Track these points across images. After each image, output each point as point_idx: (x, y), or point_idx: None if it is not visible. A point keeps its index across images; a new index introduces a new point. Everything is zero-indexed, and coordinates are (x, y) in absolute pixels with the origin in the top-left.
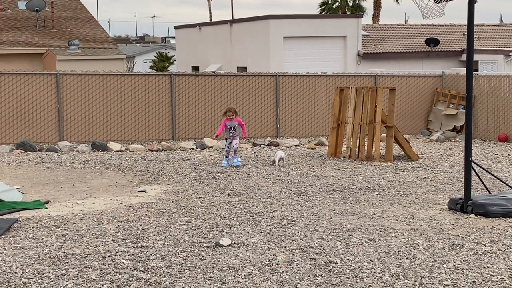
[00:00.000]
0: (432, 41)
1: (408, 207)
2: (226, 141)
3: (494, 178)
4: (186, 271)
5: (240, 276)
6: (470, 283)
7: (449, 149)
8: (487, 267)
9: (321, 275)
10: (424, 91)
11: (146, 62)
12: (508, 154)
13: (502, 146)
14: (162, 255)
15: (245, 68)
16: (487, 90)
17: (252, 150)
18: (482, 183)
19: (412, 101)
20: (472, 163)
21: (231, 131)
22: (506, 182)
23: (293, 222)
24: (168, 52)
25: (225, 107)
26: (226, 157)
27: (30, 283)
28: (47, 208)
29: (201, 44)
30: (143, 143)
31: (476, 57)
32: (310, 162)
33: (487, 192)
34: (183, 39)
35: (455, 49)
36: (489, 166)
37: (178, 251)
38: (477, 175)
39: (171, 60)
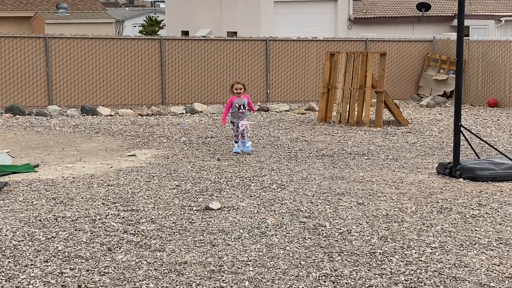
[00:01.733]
0: (423, 6)
1: (397, 171)
2: (234, 125)
3: (483, 142)
4: (176, 234)
5: (229, 239)
6: (458, 245)
7: (439, 114)
8: (475, 230)
9: (310, 238)
10: (415, 56)
11: (135, 26)
12: (497, 119)
13: (492, 111)
14: (152, 218)
15: (235, 33)
16: (478, 56)
17: None
18: (471, 147)
19: (402, 66)
20: (462, 128)
21: (240, 111)
22: (495, 146)
23: (283, 186)
24: (158, 16)
25: (232, 81)
26: (235, 142)
27: (21, 245)
28: (37, 171)
29: (191, 9)
30: (133, 107)
31: (467, 22)
32: (300, 127)
33: (476, 157)
34: (173, 3)
35: (446, 14)
36: (478, 131)
37: (168, 214)
38: (466, 139)
39: (161, 25)
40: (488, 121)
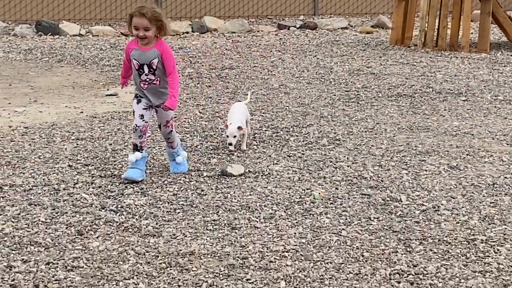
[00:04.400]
0: None
1: (510, 119)
2: (138, 101)
3: None
4: (178, 211)
5: (257, 220)
6: None
7: None
8: None
9: (378, 218)
10: None
11: None
12: None
13: None
14: (142, 188)
15: None
16: None
17: (276, 35)
18: None
19: None
20: None
21: (143, 79)
22: None
23: (337, 142)
24: None
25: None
26: (137, 149)
27: None
28: None
29: None
30: (113, 23)
31: None
32: (364, 53)
33: None
34: None
35: None
36: None
37: (166, 182)
38: None
39: None
40: None
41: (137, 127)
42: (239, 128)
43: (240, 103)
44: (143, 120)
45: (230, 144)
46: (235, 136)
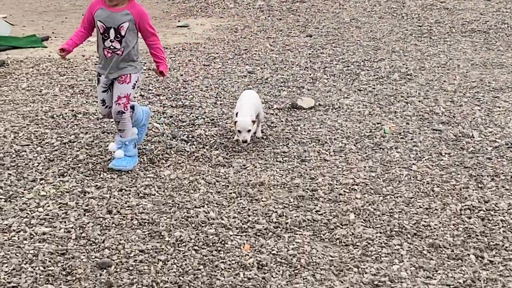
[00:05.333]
0: None
1: None
2: (98, 81)
3: None
4: (248, 142)
5: (326, 153)
6: None
7: None
8: None
9: (449, 154)
10: None
11: None
12: None
13: None
14: (213, 119)
15: None
16: None
17: None
18: None
19: None
20: None
21: (107, 45)
22: None
23: (409, 77)
24: None
25: None
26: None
27: (25, 151)
28: (46, 47)
29: None
30: None
31: None
32: None
33: None
34: None
35: None
36: None
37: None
38: None
39: None
40: None
41: (103, 116)
42: (253, 121)
43: (250, 91)
44: (105, 107)
45: (245, 141)
46: (249, 131)
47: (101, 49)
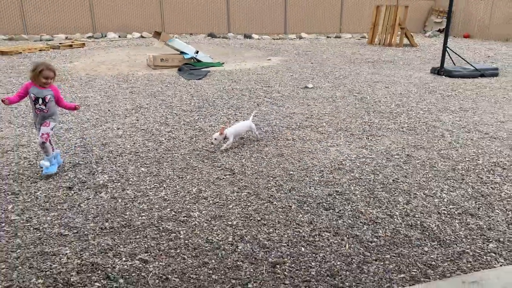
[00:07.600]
0: None
1: (408, 71)
2: (35, 126)
3: (459, 57)
4: (289, 98)
5: (316, 102)
6: (437, 110)
7: (435, 41)
8: (448, 102)
9: (357, 103)
10: (423, 9)
11: None
12: (468, 45)
13: (465, 40)
14: (278, 90)
15: None
16: (460, 9)
17: None
18: (451, 59)
19: (416, 12)
20: (447, 48)
21: (37, 107)
22: (464, 58)
23: (345, 77)
24: None
25: (38, 64)
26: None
27: (216, 100)
28: (223, 66)
29: None
30: (270, 34)
31: None
32: (356, 47)
33: (453, 64)
34: None
35: None
36: (456, 51)
37: (286, 89)
38: (449, 54)
39: None
40: (462, 46)
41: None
42: (220, 133)
43: (244, 122)
44: (38, 138)
45: (211, 143)
46: (216, 139)
47: (34, 109)
